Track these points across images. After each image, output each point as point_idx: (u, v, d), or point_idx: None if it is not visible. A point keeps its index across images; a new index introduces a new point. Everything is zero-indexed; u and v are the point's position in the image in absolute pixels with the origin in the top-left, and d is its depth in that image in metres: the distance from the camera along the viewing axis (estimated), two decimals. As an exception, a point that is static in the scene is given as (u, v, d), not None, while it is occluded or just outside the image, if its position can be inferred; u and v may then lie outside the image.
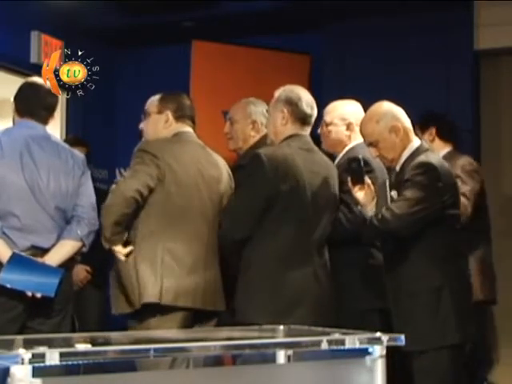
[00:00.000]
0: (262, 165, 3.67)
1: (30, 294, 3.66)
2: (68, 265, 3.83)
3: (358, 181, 3.68)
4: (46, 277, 3.67)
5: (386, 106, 3.70)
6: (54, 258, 3.74)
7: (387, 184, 3.73)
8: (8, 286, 3.62)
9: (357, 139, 4.07)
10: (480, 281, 4.73)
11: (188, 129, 3.91)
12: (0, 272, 3.61)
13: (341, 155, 4.11)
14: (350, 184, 3.71)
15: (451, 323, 3.49)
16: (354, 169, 3.71)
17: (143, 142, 3.87)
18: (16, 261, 3.63)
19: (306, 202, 3.73)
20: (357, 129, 4.05)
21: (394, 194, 3.62)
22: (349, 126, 4.12)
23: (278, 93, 3.90)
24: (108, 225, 3.63)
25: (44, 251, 3.74)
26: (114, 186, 3.71)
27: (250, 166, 3.77)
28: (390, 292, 3.63)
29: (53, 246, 3.77)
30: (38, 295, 3.67)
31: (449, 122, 5.14)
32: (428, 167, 3.53)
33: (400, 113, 3.69)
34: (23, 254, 3.67)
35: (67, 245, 3.80)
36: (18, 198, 3.71)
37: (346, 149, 4.12)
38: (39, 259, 3.71)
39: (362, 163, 3.70)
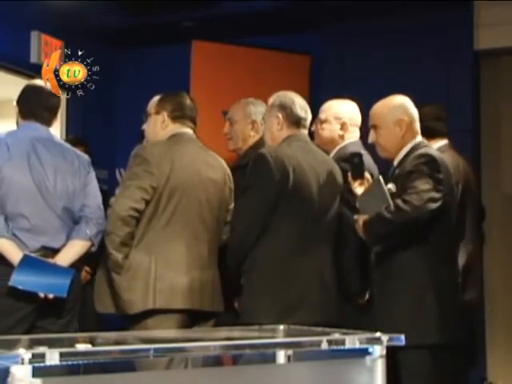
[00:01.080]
0: (268, 165, 3.66)
1: (42, 295, 3.65)
2: (78, 265, 3.83)
3: (358, 176, 3.69)
4: (57, 277, 3.66)
5: (402, 100, 3.71)
6: (65, 258, 3.74)
7: (380, 178, 3.67)
8: (20, 287, 3.61)
9: (350, 138, 4.08)
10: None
11: (186, 129, 3.88)
12: (12, 274, 3.60)
13: (332, 153, 4.11)
14: (350, 179, 3.72)
15: (432, 323, 3.47)
16: (355, 164, 3.72)
17: (139, 147, 3.86)
18: (27, 262, 3.61)
19: (310, 201, 3.72)
20: (351, 128, 4.07)
21: (391, 186, 3.59)
22: (343, 126, 4.13)
23: (271, 99, 3.91)
24: (115, 249, 3.59)
25: (54, 252, 3.74)
26: (109, 209, 3.67)
27: (255, 166, 3.73)
28: (376, 287, 3.63)
29: (62, 246, 3.77)
30: (51, 296, 3.66)
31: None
32: (430, 158, 3.53)
33: (412, 111, 3.69)
34: (34, 255, 3.67)
35: (77, 245, 3.80)
36: (27, 199, 3.71)
37: (338, 147, 4.12)
38: (50, 260, 3.70)
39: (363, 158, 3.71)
